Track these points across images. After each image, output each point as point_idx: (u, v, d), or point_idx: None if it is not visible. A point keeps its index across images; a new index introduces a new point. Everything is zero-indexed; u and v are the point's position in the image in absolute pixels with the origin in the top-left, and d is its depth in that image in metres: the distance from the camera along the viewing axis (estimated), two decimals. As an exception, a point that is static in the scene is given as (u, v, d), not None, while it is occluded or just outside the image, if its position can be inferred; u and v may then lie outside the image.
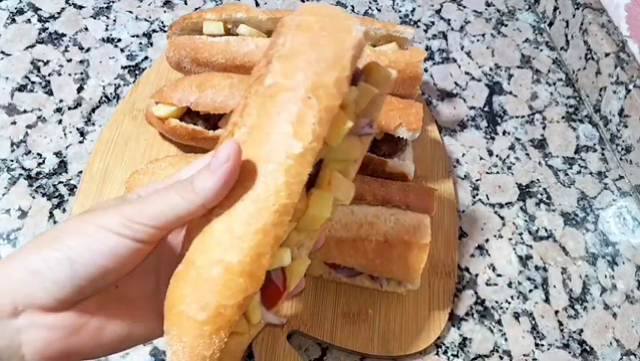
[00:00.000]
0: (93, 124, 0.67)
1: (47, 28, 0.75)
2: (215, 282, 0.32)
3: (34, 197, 0.61)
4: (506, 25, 0.83)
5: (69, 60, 0.72)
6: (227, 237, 0.32)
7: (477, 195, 0.66)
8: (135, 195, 0.37)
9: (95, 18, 0.77)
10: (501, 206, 0.66)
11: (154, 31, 0.76)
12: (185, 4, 0.80)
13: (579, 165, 0.70)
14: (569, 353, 0.57)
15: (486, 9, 0.85)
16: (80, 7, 0.78)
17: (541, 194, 0.67)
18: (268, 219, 0.32)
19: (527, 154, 0.70)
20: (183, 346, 0.32)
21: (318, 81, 0.34)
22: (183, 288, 0.33)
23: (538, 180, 0.68)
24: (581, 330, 0.58)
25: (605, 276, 0.62)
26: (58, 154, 0.64)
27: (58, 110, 0.68)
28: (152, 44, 0.75)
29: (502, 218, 0.65)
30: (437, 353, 0.56)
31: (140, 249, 0.33)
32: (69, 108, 0.68)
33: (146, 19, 0.77)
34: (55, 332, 0.32)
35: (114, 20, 0.77)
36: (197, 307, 0.32)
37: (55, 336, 0.32)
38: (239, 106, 0.37)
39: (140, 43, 0.75)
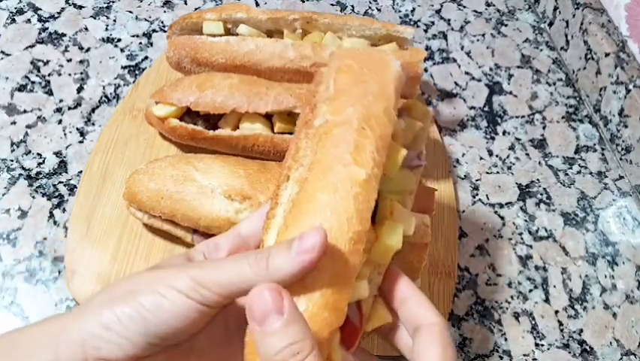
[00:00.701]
0: (93, 124, 0.67)
1: (47, 28, 0.75)
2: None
3: (34, 197, 0.61)
4: (506, 25, 0.83)
5: (69, 60, 0.72)
6: None
7: (477, 195, 0.66)
8: (199, 254, 0.38)
9: (94, 18, 0.77)
10: (501, 206, 0.66)
11: (154, 31, 0.76)
12: (185, 4, 0.80)
13: (579, 165, 0.70)
14: (569, 353, 0.57)
15: (486, 9, 0.85)
16: (80, 7, 0.78)
17: (541, 194, 0.67)
18: (345, 248, 0.32)
19: (527, 154, 0.70)
20: None
21: (368, 112, 0.35)
22: None
23: (538, 180, 0.68)
24: (581, 330, 0.58)
25: (605, 276, 0.62)
26: (58, 154, 0.64)
27: (58, 110, 0.68)
28: (152, 44, 0.75)
29: (502, 218, 0.65)
30: (437, 353, 0.56)
31: (207, 312, 0.33)
32: (69, 108, 0.68)
33: (146, 19, 0.77)
34: None
35: (114, 20, 0.77)
36: None
37: None
38: (290, 151, 0.38)
39: (140, 43, 0.75)
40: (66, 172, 0.63)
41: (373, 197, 0.33)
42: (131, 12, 0.78)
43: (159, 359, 0.34)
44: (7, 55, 0.72)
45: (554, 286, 0.61)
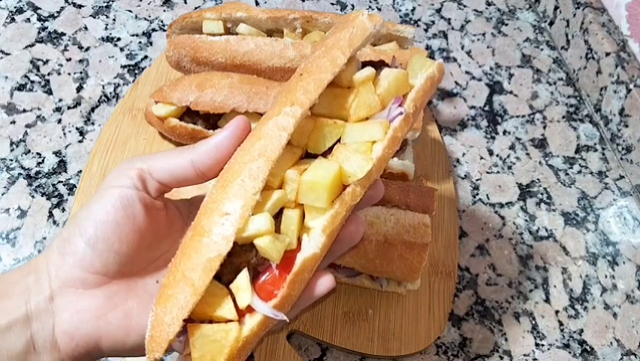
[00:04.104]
0: (92, 123, 0.67)
1: (47, 28, 0.74)
2: (188, 243, 0.33)
3: (33, 196, 0.61)
4: (507, 25, 0.83)
5: (68, 59, 0.72)
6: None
7: (477, 194, 0.66)
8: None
9: (94, 17, 0.76)
10: (501, 206, 0.66)
11: (153, 30, 0.76)
12: (185, 3, 0.80)
13: (580, 164, 0.70)
14: (569, 353, 0.57)
15: (486, 8, 0.85)
16: (80, 7, 0.77)
17: (542, 194, 0.67)
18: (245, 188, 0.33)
19: (528, 154, 0.70)
20: (152, 315, 0.33)
21: (314, 61, 0.36)
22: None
23: (538, 179, 0.68)
24: (582, 330, 0.58)
25: (606, 276, 0.61)
26: (57, 153, 0.64)
27: (58, 109, 0.67)
28: (151, 43, 0.75)
29: (502, 218, 0.65)
30: (437, 353, 0.55)
31: (143, 198, 0.35)
32: (68, 108, 0.68)
33: (145, 19, 0.77)
34: (83, 314, 0.34)
35: (114, 19, 0.77)
36: (168, 273, 0.33)
37: (84, 318, 0.34)
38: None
39: (140, 42, 0.75)
40: (65, 172, 0.63)
41: (290, 128, 0.34)
42: (130, 11, 0.78)
43: (120, 292, 0.35)
44: (7, 54, 0.71)
45: (555, 286, 0.60)
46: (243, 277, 0.33)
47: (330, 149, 0.37)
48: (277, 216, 0.34)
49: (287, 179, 0.34)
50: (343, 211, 0.35)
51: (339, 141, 0.37)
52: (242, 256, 0.33)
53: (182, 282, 0.32)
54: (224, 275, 0.33)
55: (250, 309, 0.33)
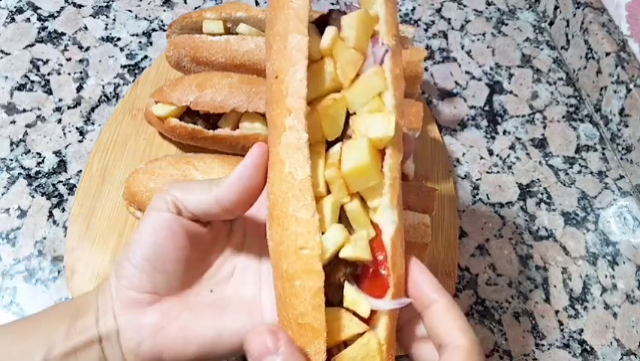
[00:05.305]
0: (92, 123, 0.67)
1: (47, 27, 0.75)
2: (284, 294, 0.32)
3: (33, 196, 0.61)
4: (507, 25, 0.83)
5: (68, 59, 0.72)
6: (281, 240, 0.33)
7: (477, 194, 0.66)
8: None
9: (94, 17, 0.76)
10: (501, 206, 0.66)
11: (153, 30, 0.76)
12: (185, 2, 0.80)
13: (580, 164, 0.70)
14: (569, 353, 0.57)
15: (486, 8, 0.85)
16: (80, 6, 0.77)
17: (542, 194, 0.67)
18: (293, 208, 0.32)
19: (528, 154, 0.70)
20: None
21: (278, 56, 0.34)
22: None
23: (538, 179, 0.68)
24: (582, 330, 0.58)
25: (606, 276, 0.61)
26: (57, 153, 0.64)
27: (58, 109, 0.67)
28: (151, 43, 0.75)
29: (502, 218, 0.65)
30: (437, 353, 0.55)
31: (180, 220, 0.36)
32: (68, 107, 0.68)
33: (145, 18, 0.77)
34: (142, 331, 0.36)
35: (114, 19, 0.77)
36: (282, 329, 0.32)
37: (143, 334, 0.36)
38: None
39: (140, 42, 0.75)
40: (65, 171, 0.63)
41: (301, 144, 0.32)
42: (130, 11, 0.78)
43: (174, 306, 0.37)
44: (7, 54, 0.71)
45: (555, 286, 0.60)
46: (351, 291, 0.32)
47: (346, 124, 0.35)
48: (340, 215, 0.33)
49: (329, 180, 0.33)
50: (396, 174, 0.34)
51: (348, 113, 0.35)
52: (336, 274, 0.33)
53: (299, 331, 0.31)
54: (330, 298, 0.32)
55: (373, 312, 0.32)
